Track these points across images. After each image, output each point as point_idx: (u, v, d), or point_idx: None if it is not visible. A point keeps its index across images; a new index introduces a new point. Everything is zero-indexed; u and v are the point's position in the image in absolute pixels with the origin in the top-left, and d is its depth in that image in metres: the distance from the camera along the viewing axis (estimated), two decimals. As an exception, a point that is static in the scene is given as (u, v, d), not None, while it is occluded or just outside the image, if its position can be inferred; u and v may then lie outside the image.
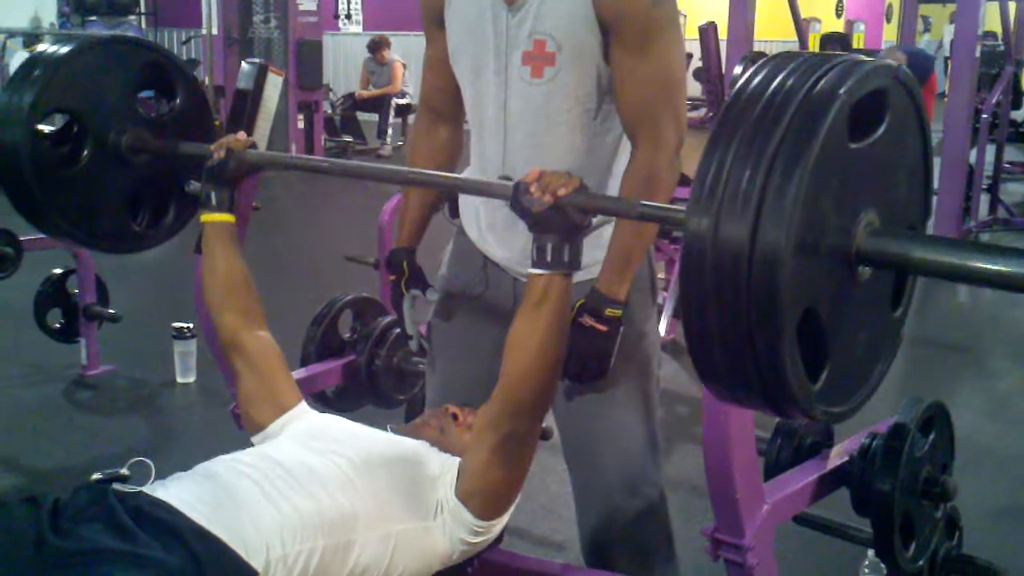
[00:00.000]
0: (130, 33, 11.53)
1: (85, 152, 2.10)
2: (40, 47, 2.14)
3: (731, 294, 1.12)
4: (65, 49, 2.09)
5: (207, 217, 1.94)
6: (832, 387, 1.24)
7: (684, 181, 5.56)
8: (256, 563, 1.50)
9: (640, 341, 1.90)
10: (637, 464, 1.91)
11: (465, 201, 2.01)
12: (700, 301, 1.15)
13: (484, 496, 1.67)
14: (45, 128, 2.06)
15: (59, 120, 2.16)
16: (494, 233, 1.92)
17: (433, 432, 1.84)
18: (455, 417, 1.88)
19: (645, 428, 1.92)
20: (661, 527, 1.96)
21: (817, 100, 1.13)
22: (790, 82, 1.15)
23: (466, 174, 1.99)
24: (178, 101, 2.27)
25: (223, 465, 1.68)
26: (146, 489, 1.59)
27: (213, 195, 1.93)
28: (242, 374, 1.90)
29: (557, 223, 1.54)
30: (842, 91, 1.13)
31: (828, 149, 1.12)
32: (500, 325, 1.96)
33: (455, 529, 1.67)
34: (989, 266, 1.14)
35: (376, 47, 11.13)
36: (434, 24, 1.91)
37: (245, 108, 2.54)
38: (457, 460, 1.73)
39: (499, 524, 1.72)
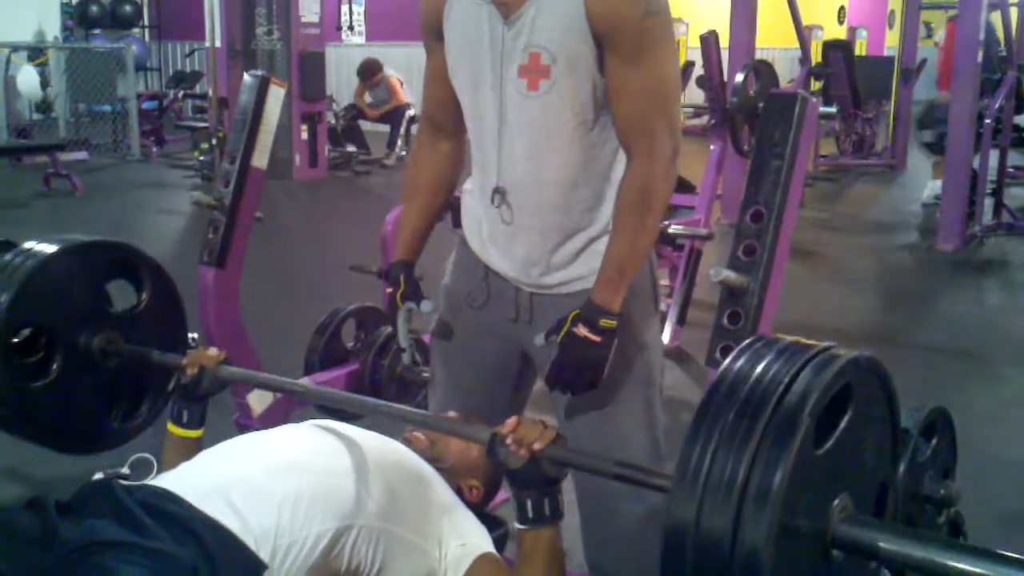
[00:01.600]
0: (133, 46, 11.58)
1: (56, 361, 2.10)
2: (6, 257, 2.12)
3: None
4: (30, 262, 2.08)
5: (175, 431, 1.92)
6: None
7: (685, 187, 5.53)
8: (264, 552, 1.51)
9: (641, 349, 1.90)
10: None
11: (467, 212, 2.01)
12: None
13: None
14: (15, 343, 2.04)
15: (26, 335, 2.12)
16: (495, 245, 1.93)
17: (422, 442, 1.86)
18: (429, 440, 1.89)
19: (648, 437, 1.92)
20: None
21: (788, 413, 1.19)
22: (765, 382, 1.22)
23: (467, 185, 2.00)
24: (145, 295, 2.28)
25: (229, 451, 1.70)
26: (151, 481, 1.60)
27: (185, 413, 1.92)
28: None
29: (534, 477, 1.56)
30: (807, 410, 1.19)
31: (801, 456, 1.18)
32: (501, 335, 1.97)
33: None
34: (955, 564, 1.20)
35: (368, 73, 10.95)
36: (433, 37, 1.91)
37: (247, 122, 2.55)
38: (474, 532, 1.74)
39: None
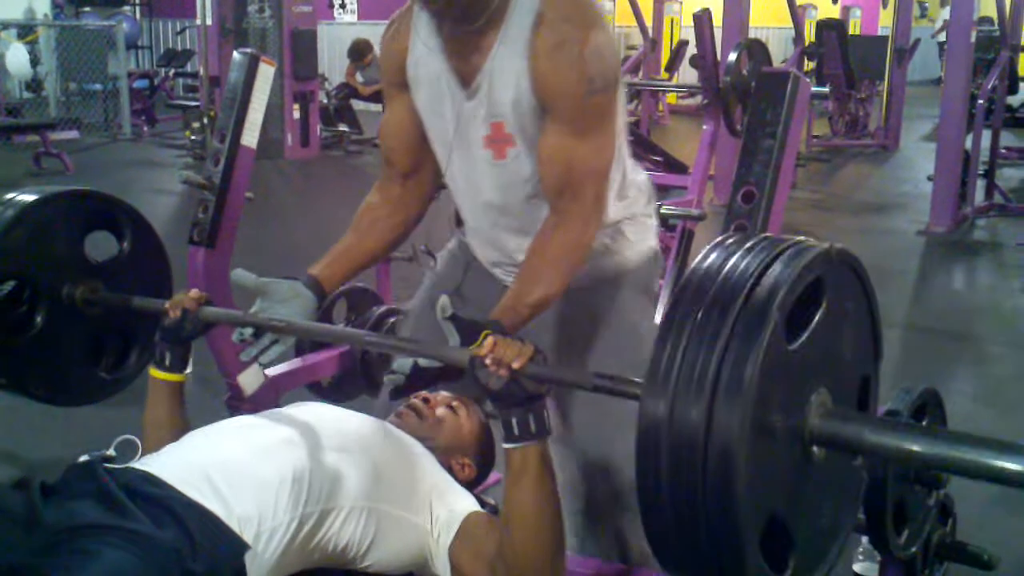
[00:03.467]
0: (124, 24, 11.51)
1: (40, 313, 2.09)
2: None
3: (687, 481, 1.14)
4: (8, 213, 2.06)
5: (158, 374, 1.91)
6: (799, 570, 1.25)
7: (678, 167, 5.47)
8: (247, 535, 1.52)
9: (633, 337, 1.91)
10: (618, 462, 1.93)
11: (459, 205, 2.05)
12: (655, 485, 1.17)
13: (472, 571, 1.69)
14: None
15: (7, 288, 2.11)
16: (477, 238, 1.98)
17: (413, 420, 1.87)
18: (426, 401, 1.90)
19: (630, 434, 1.93)
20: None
21: (756, 307, 1.16)
22: (737, 273, 1.20)
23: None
24: (127, 244, 2.25)
25: (213, 434, 1.70)
26: (135, 464, 1.60)
27: (167, 355, 1.90)
28: None
29: (516, 395, 1.54)
30: (776, 304, 1.16)
31: (772, 349, 1.16)
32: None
33: (439, 561, 1.70)
34: (937, 451, 1.20)
35: (358, 54, 10.92)
36: (395, 87, 1.90)
37: (236, 100, 2.53)
38: (461, 498, 1.74)
39: None
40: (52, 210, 2.15)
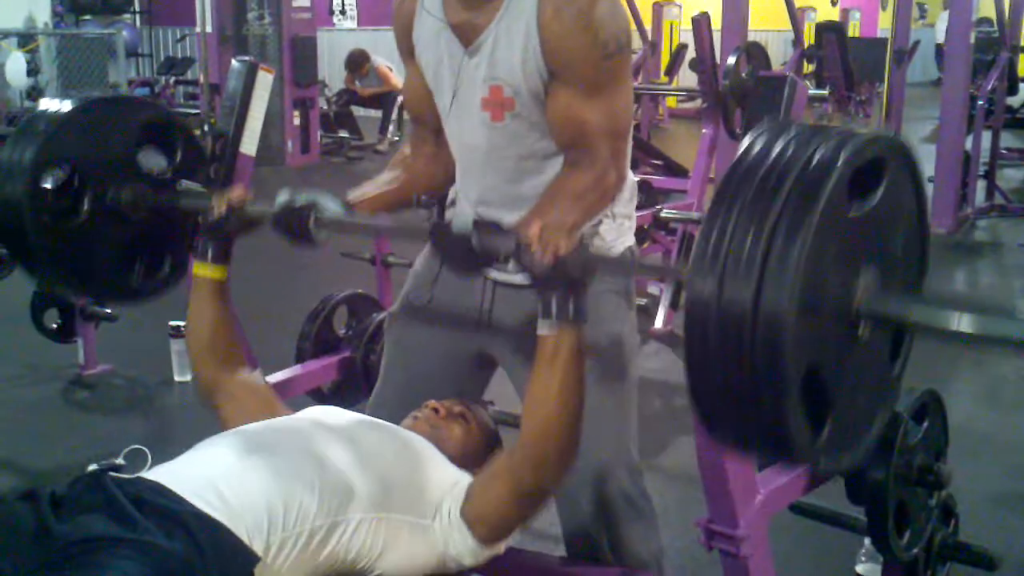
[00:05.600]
0: (124, 32, 11.51)
1: (85, 206, 2.10)
2: (43, 103, 2.15)
3: (735, 353, 1.15)
4: (68, 106, 2.11)
5: (201, 270, 1.93)
6: (834, 440, 1.26)
7: (677, 171, 5.50)
8: (257, 546, 1.51)
9: (612, 343, 1.91)
10: (602, 469, 1.94)
11: (454, 197, 2.03)
12: (703, 359, 1.18)
13: (491, 527, 1.68)
14: (47, 183, 2.06)
15: (60, 175, 2.13)
16: (467, 199, 1.95)
17: (424, 427, 1.85)
18: (436, 411, 1.89)
19: (616, 433, 1.94)
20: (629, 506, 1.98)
21: (818, 167, 1.16)
22: (791, 151, 1.18)
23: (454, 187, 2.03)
24: (178, 159, 2.26)
25: (223, 444, 1.69)
26: (145, 474, 1.59)
27: (210, 249, 1.92)
28: (226, 410, 1.90)
29: (559, 278, 1.55)
30: (841, 160, 1.16)
31: (828, 215, 1.15)
32: (461, 332, 2.01)
33: (453, 544, 1.68)
34: (985, 330, 1.18)
35: (354, 65, 10.87)
36: (406, 54, 1.95)
37: (235, 109, 2.54)
38: (466, 477, 1.74)
39: (498, 550, 1.72)
40: (111, 110, 2.18)
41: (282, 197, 1.82)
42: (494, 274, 1.93)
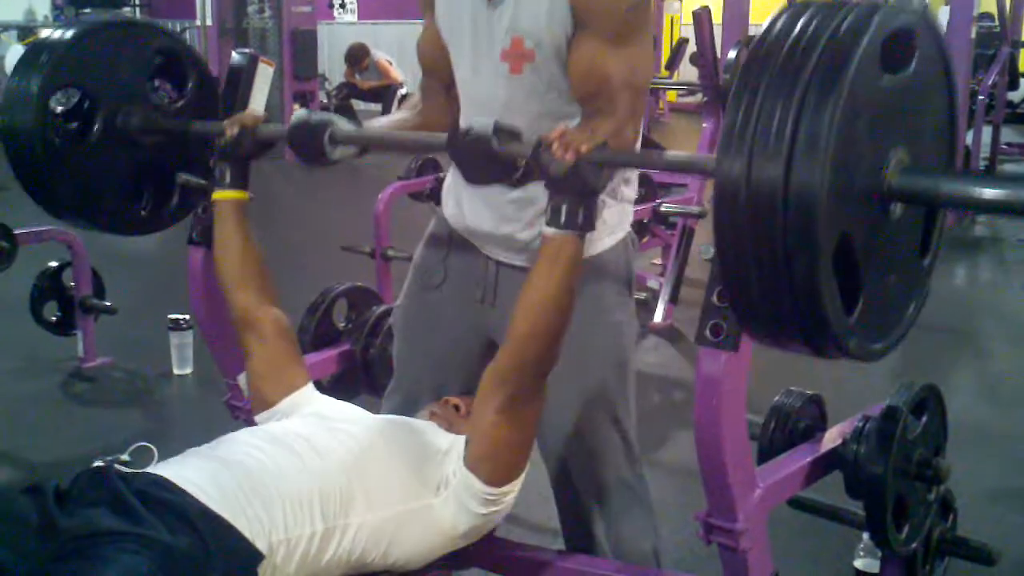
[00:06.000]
0: (124, 24, 11.50)
1: (94, 129, 2.08)
2: (45, 32, 2.13)
3: (766, 228, 1.14)
4: (78, 29, 2.07)
5: (220, 194, 1.93)
6: (866, 321, 1.26)
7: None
8: (261, 544, 1.51)
9: (617, 337, 1.91)
10: (600, 454, 1.94)
11: (449, 183, 2.03)
12: (735, 238, 1.17)
13: (493, 460, 1.68)
14: (57, 107, 2.05)
15: (70, 99, 2.12)
16: (472, 203, 1.94)
17: (441, 422, 1.86)
18: (457, 408, 1.89)
19: (612, 417, 1.93)
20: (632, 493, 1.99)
21: (847, 34, 1.14)
22: (816, 22, 1.17)
23: None
24: (189, 89, 2.25)
25: (230, 444, 1.69)
26: (151, 469, 1.59)
27: (227, 172, 1.92)
28: (254, 351, 1.91)
29: (575, 184, 1.55)
30: (873, 25, 1.14)
31: (859, 82, 1.13)
32: (466, 317, 2.00)
33: (463, 501, 1.68)
34: (1012, 196, 1.17)
35: (354, 60, 10.89)
36: (426, 5, 1.94)
37: (237, 90, 2.53)
38: (464, 437, 1.74)
39: (510, 493, 1.72)
40: (124, 33, 2.16)
41: (298, 116, 1.82)
42: (497, 253, 1.93)
